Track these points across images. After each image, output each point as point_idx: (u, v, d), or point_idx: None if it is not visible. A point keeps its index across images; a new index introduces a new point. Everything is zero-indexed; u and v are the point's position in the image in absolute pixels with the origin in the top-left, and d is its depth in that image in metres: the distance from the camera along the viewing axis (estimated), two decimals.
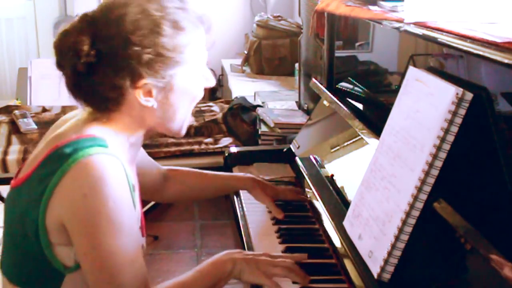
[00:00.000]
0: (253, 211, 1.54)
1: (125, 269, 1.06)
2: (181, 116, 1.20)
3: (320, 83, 1.91)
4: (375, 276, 1.06)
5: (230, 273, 1.17)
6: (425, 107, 1.06)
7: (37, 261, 1.09)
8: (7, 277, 1.16)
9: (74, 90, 1.14)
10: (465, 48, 1.01)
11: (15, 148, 2.33)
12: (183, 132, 1.24)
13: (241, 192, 1.66)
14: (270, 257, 1.20)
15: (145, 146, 2.36)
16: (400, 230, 1.03)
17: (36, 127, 2.48)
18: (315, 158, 1.65)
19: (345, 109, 1.61)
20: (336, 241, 1.27)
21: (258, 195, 1.53)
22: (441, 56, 1.22)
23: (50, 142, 1.12)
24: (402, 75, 1.23)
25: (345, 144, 1.55)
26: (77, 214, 1.04)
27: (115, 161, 1.08)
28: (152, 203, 2.88)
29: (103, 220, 1.03)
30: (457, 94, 0.98)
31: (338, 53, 1.88)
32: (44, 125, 2.49)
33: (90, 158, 1.04)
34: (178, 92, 1.15)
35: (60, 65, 1.13)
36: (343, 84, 1.83)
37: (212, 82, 1.24)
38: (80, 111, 1.19)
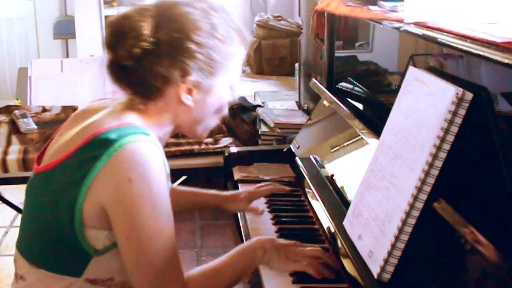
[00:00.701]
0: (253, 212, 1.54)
1: (164, 253, 1.09)
2: (207, 122, 1.25)
3: (320, 83, 1.91)
4: (375, 276, 1.06)
5: (260, 260, 1.21)
6: (425, 107, 1.06)
7: (67, 243, 1.12)
8: (29, 260, 1.17)
9: (119, 73, 1.16)
10: (465, 48, 1.01)
11: (15, 148, 2.33)
12: (204, 136, 1.31)
13: None
14: (299, 246, 1.24)
15: None
16: (400, 230, 1.03)
17: (36, 127, 2.48)
18: (315, 158, 1.65)
19: (345, 109, 1.61)
20: (336, 241, 1.27)
21: (231, 207, 1.53)
22: (441, 56, 1.22)
23: (87, 129, 1.14)
24: (402, 75, 1.23)
25: (345, 144, 1.55)
26: (122, 198, 1.07)
27: (157, 149, 1.12)
28: None
29: (147, 203, 1.07)
30: (457, 94, 0.98)
31: (338, 53, 1.88)
32: (44, 125, 2.48)
33: (135, 144, 1.08)
34: (214, 98, 1.21)
35: (112, 45, 1.15)
36: (343, 84, 1.83)
37: (236, 99, 1.31)
38: (111, 102, 1.22)
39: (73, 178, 1.09)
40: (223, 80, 1.21)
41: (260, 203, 1.58)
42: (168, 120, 1.21)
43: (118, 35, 1.14)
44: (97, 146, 1.09)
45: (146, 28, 1.12)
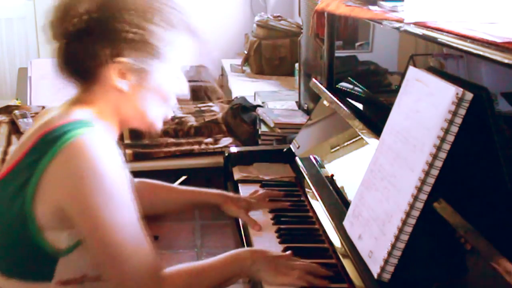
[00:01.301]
0: (253, 211, 1.54)
1: (131, 243, 1.07)
2: (153, 114, 1.20)
3: (320, 83, 1.91)
4: (375, 276, 1.06)
5: (248, 270, 1.18)
6: (425, 107, 1.06)
7: (29, 249, 1.09)
8: (1, 271, 1.14)
9: (61, 60, 1.15)
10: (465, 48, 1.01)
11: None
12: (156, 130, 1.24)
13: (241, 192, 1.66)
14: (290, 259, 1.21)
15: (145, 146, 2.36)
16: (400, 230, 1.03)
17: None
18: (315, 158, 1.65)
19: (345, 109, 1.61)
20: (336, 241, 1.27)
21: (229, 210, 1.51)
22: (441, 56, 1.22)
23: (36, 131, 1.12)
24: (402, 75, 1.23)
25: (345, 144, 1.55)
26: (76, 196, 1.05)
27: (105, 137, 1.09)
28: None
29: (104, 197, 1.04)
30: (457, 94, 0.98)
31: (338, 53, 1.88)
32: None
33: (80, 138, 1.05)
34: (153, 86, 1.16)
35: (55, 33, 1.14)
36: (343, 84, 1.83)
37: (184, 92, 1.24)
38: (61, 104, 1.20)
39: (21, 182, 1.07)
40: (162, 68, 1.15)
41: None
42: (111, 112, 1.17)
43: (57, 14, 1.13)
44: (42, 147, 1.07)
45: (81, 7, 1.11)
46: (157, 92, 1.18)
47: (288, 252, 1.25)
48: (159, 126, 1.23)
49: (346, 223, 1.24)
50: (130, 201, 1.09)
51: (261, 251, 1.22)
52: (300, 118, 2.41)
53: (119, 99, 1.16)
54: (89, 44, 1.11)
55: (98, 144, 1.07)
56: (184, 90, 1.23)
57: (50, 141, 1.06)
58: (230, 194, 1.56)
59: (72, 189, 1.05)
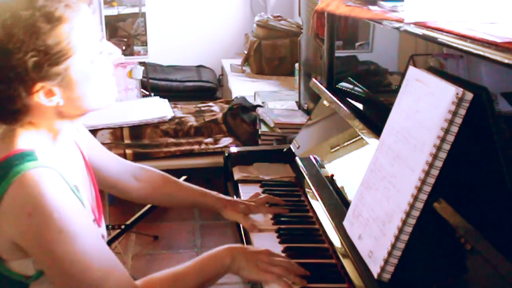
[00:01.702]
0: None
1: (93, 270, 1.05)
2: (100, 92, 1.15)
3: (320, 83, 1.91)
4: (375, 276, 1.06)
5: (228, 268, 1.17)
6: (425, 107, 1.06)
7: None
8: None
9: None
10: (465, 48, 1.01)
11: None
12: (111, 102, 1.19)
13: (241, 192, 1.66)
14: (270, 255, 1.20)
15: (144, 146, 2.36)
16: (400, 230, 1.03)
17: None
18: (315, 158, 1.65)
19: (345, 109, 1.61)
20: (336, 241, 1.27)
21: (227, 214, 1.52)
22: (441, 56, 1.22)
23: None
24: (402, 75, 1.23)
25: (345, 144, 1.55)
26: (27, 233, 1.04)
27: (48, 171, 1.05)
28: None
29: (54, 232, 1.03)
30: (457, 94, 0.98)
31: (338, 53, 1.88)
32: None
33: (23, 176, 1.03)
34: (81, 80, 1.09)
35: None
36: (343, 84, 1.83)
37: (116, 54, 1.17)
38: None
39: None
40: (78, 59, 1.07)
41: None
42: (55, 121, 1.13)
43: None
44: None
45: None
46: (88, 78, 1.11)
47: (265, 249, 1.23)
48: (111, 98, 1.18)
49: (346, 223, 1.24)
50: (83, 229, 1.07)
51: (240, 247, 1.21)
52: (300, 118, 2.41)
53: (57, 109, 1.11)
54: (0, 93, 1.05)
55: (42, 179, 1.03)
56: (115, 52, 1.17)
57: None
58: (229, 198, 1.56)
59: (21, 227, 1.03)
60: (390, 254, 1.04)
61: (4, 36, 1.01)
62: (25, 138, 1.10)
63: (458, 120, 0.98)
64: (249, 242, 1.41)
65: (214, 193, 1.56)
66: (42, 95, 1.07)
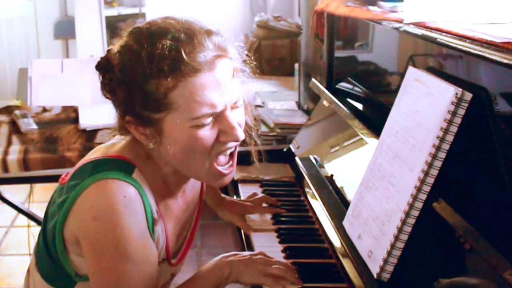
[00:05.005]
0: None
1: None
2: (194, 167, 1.11)
3: (320, 83, 1.91)
4: (375, 276, 1.06)
5: (228, 277, 1.17)
6: (425, 107, 1.06)
7: (54, 260, 1.13)
8: (36, 260, 1.20)
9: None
10: (464, 48, 1.01)
11: (16, 148, 2.33)
12: (213, 183, 1.17)
13: (241, 192, 1.66)
14: (266, 257, 1.20)
15: None
16: (400, 230, 1.04)
17: (36, 127, 2.48)
18: (315, 158, 1.65)
19: (345, 109, 1.61)
20: (336, 241, 1.27)
21: (223, 214, 1.52)
22: (440, 56, 1.22)
23: (89, 155, 1.14)
24: (402, 75, 1.23)
25: (345, 144, 1.55)
26: (86, 234, 1.06)
27: (132, 190, 1.05)
28: None
29: (108, 245, 1.04)
30: (456, 94, 0.98)
31: (338, 53, 1.88)
32: (45, 125, 2.48)
33: (106, 182, 1.05)
34: (170, 138, 1.06)
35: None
36: (343, 84, 1.83)
37: (232, 136, 1.12)
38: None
39: (62, 199, 1.09)
40: (173, 118, 1.04)
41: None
42: (159, 156, 1.12)
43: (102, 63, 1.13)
44: (78, 176, 1.08)
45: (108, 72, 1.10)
46: (177, 142, 1.06)
47: (260, 251, 1.23)
48: (210, 180, 1.15)
49: (345, 223, 1.24)
50: (139, 257, 1.06)
51: (233, 254, 1.20)
52: (300, 118, 2.41)
53: (148, 148, 1.11)
54: (115, 100, 1.10)
55: (120, 193, 1.04)
56: (232, 134, 1.11)
57: (83, 174, 1.07)
58: (226, 198, 1.56)
59: (83, 227, 1.06)
60: (389, 253, 1.04)
61: (119, 68, 1.06)
62: (132, 147, 1.12)
63: (457, 120, 0.98)
64: (249, 242, 1.41)
65: (214, 191, 1.55)
66: (132, 126, 1.08)
